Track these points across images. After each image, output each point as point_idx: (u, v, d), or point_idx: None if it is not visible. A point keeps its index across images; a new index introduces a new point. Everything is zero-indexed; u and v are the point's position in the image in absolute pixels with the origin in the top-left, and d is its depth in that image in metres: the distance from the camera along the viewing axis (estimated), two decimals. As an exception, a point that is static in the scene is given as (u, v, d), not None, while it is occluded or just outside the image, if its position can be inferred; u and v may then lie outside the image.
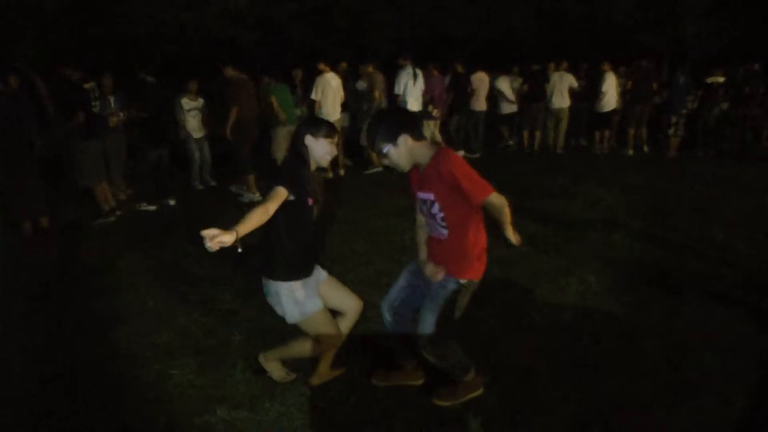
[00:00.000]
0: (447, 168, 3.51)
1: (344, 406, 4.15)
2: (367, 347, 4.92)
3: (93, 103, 8.62)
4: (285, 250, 3.84)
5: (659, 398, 4.15)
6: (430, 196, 3.73)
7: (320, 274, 4.23)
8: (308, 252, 4.02)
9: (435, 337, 3.85)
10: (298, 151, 3.87)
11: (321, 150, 3.86)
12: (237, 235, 3.14)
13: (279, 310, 4.00)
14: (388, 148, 3.66)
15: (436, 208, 3.75)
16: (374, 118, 3.78)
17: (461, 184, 3.48)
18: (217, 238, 3.01)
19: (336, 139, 3.94)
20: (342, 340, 4.25)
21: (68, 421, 4.07)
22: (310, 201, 3.87)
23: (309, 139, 3.84)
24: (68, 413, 4.15)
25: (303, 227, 3.89)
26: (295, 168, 3.83)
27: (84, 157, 8.59)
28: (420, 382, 4.35)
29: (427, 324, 3.83)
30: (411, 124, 3.69)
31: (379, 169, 12.01)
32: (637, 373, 4.48)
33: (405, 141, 3.63)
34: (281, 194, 3.58)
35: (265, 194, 3.63)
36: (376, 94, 11.76)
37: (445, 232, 3.81)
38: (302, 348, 4.21)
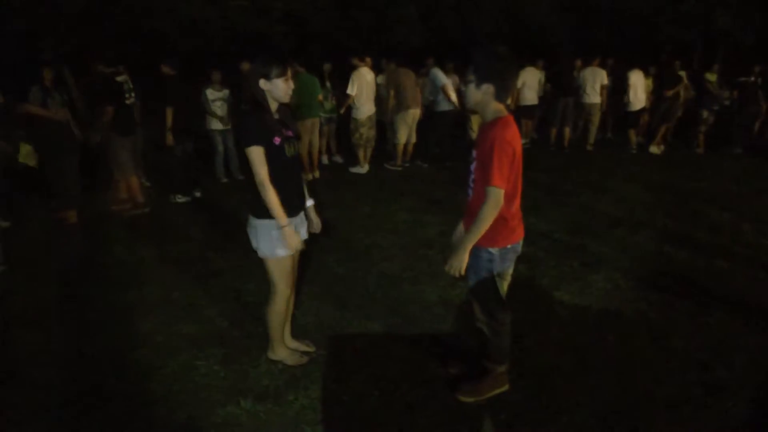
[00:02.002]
0: (493, 136, 3.50)
1: (368, 399, 4.14)
2: (390, 341, 4.92)
3: (126, 96, 8.63)
4: None
5: (687, 399, 4.10)
6: (474, 154, 3.76)
7: (302, 231, 4.38)
8: (288, 192, 4.09)
9: (488, 306, 3.94)
10: (255, 98, 3.98)
11: (278, 90, 3.95)
12: (287, 227, 3.98)
13: (254, 243, 4.21)
14: (471, 83, 3.65)
15: (473, 167, 3.77)
16: (484, 49, 3.72)
17: (492, 158, 3.46)
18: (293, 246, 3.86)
19: (288, 74, 3.99)
20: (288, 297, 4.44)
21: (93, 410, 4.09)
22: (277, 140, 3.93)
23: (264, 83, 3.93)
24: (93, 402, 4.17)
25: (277, 167, 3.96)
26: (252, 117, 3.95)
27: (122, 151, 8.65)
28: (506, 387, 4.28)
29: (474, 294, 3.98)
30: (504, 80, 3.61)
31: (398, 168, 11.97)
32: (664, 372, 4.43)
33: (487, 90, 3.59)
34: (256, 153, 3.86)
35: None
36: (391, 93, 11.71)
37: (471, 194, 3.84)
38: (272, 311, 4.41)
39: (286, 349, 4.62)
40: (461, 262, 3.66)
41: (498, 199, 3.50)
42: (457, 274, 3.70)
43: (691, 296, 5.75)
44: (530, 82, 14.09)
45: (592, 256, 6.83)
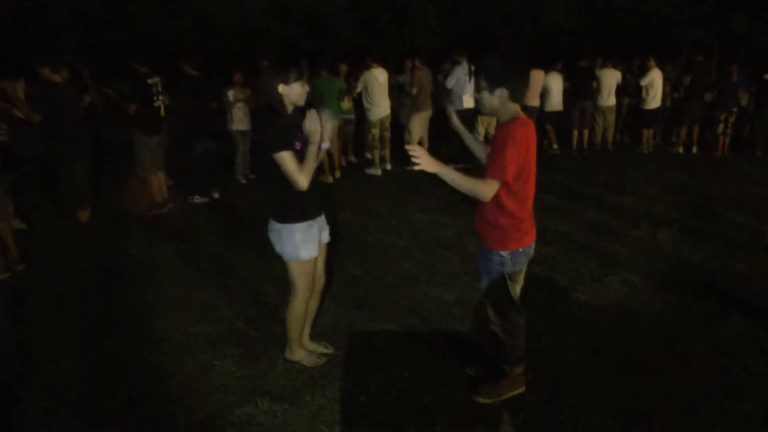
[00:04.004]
0: (504, 134, 3.54)
1: (385, 400, 4.15)
2: (407, 342, 4.94)
3: (155, 98, 8.68)
4: (287, 195, 4.06)
5: (704, 402, 4.08)
6: (488, 152, 3.80)
7: (324, 234, 4.50)
8: (309, 194, 4.13)
9: (500, 308, 3.96)
10: (271, 103, 4.04)
11: (295, 94, 4.02)
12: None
13: (277, 248, 4.26)
14: (484, 91, 3.66)
15: (486, 162, 3.79)
16: (492, 54, 3.74)
17: (494, 151, 3.54)
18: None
19: (304, 78, 4.05)
20: (308, 300, 4.47)
21: (110, 410, 4.12)
22: (298, 145, 4.00)
23: (283, 87, 3.97)
24: (111, 402, 4.21)
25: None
26: (270, 124, 4.00)
27: (145, 150, 8.70)
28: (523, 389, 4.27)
29: (487, 296, 4.00)
30: (517, 82, 3.62)
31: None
32: (681, 375, 4.41)
33: (501, 94, 3.59)
34: (288, 158, 3.91)
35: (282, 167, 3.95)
36: (413, 90, 11.71)
37: None
38: (291, 312, 4.44)
39: (304, 350, 4.64)
40: (430, 165, 3.47)
41: (488, 192, 3.55)
42: (417, 163, 3.47)
43: (709, 298, 5.71)
44: (555, 88, 13.79)
45: (609, 257, 6.80)
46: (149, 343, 5.00)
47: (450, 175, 3.50)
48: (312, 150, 3.96)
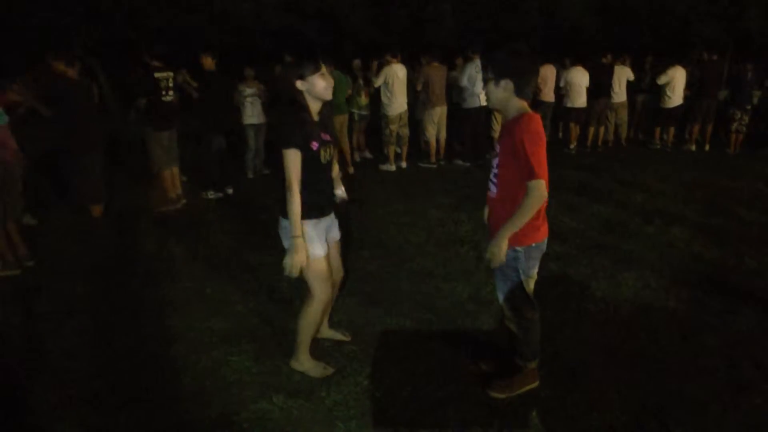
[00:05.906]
0: (520, 135, 3.52)
1: (400, 395, 4.16)
2: (422, 338, 4.96)
3: (163, 93, 8.68)
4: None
5: (716, 397, 4.09)
6: (498, 149, 3.80)
7: (334, 231, 4.42)
8: (320, 194, 4.09)
9: (515, 304, 3.98)
10: (293, 100, 3.95)
11: (317, 87, 3.90)
12: (300, 238, 3.82)
13: (285, 245, 4.10)
14: (490, 82, 3.71)
15: (495, 162, 3.81)
16: (505, 50, 3.77)
17: (526, 152, 3.48)
18: (296, 266, 3.82)
19: (323, 69, 3.93)
20: (329, 299, 4.41)
21: (126, 405, 4.14)
22: (315, 145, 3.90)
23: (301, 84, 3.90)
24: (126, 397, 4.23)
25: (311, 170, 3.94)
26: (293, 119, 3.92)
27: (156, 145, 8.74)
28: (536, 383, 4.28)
29: (501, 292, 4.01)
30: (523, 75, 3.66)
31: (433, 165, 11.99)
32: (694, 370, 4.42)
33: (506, 86, 3.64)
34: (292, 156, 3.82)
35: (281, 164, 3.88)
36: (418, 86, 11.76)
37: (494, 189, 3.86)
38: (305, 317, 4.29)
39: (311, 360, 4.50)
40: (501, 249, 3.65)
41: (542, 192, 3.49)
42: (497, 264, 3.71)
43: (721, 294, 5.72)
44: (581, 84, 13.45)
45: (623, 254, 6.81)
46: (163, 339, 5.03)
47: (512, 228, 3.60)
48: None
